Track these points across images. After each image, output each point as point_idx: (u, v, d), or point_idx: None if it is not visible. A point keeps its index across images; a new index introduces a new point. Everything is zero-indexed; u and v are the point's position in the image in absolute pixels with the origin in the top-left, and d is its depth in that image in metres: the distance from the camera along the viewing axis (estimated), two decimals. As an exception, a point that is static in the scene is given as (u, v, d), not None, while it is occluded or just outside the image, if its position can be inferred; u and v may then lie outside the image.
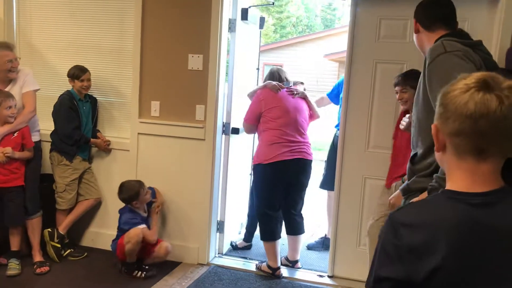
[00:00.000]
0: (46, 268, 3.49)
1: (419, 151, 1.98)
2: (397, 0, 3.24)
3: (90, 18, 3.90)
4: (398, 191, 2.24)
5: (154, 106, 3.76)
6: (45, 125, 3.78)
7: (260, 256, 3.95)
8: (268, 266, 3.63)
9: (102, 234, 3.96)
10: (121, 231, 3.51)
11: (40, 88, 3.59)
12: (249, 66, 4.21)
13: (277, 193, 3.61)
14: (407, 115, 2.74)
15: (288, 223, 3.74)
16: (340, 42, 14.75)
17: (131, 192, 3.51)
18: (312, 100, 3.90)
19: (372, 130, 3.43)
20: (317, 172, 4.41)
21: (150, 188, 3.66)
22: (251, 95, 3.74)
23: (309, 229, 4.40)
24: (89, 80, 3.72)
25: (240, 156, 4.19)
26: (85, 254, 3.82)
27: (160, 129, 3.76)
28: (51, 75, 4.03)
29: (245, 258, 3.98)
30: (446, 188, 1.07)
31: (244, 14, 3.83)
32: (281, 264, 3.72)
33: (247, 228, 4.24)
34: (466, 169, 1.04)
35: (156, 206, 3.68)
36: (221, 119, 3.76)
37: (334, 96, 4.17)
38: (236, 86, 3.88)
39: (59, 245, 3.68)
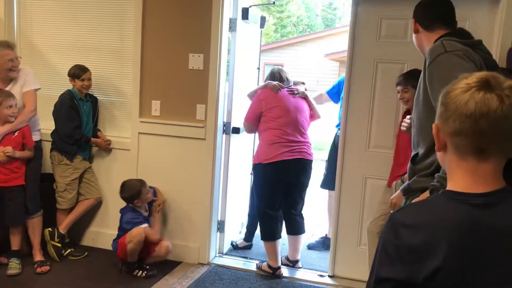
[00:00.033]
0: (47, 268, 3.49)
1: (420, 151, 1.98)
2: (398, -1, 3.24)
3: (91, 17, 3.90)
4: (399, 191, 2.24)
5: (154, 105, 3.76)
6: (46, 125, 3.78)
7: (261, 255, 3.95)
8: (269, 266, 3.63)
9: (102, 233, 3.96)
10: (123, 230, 3.51)
11: (40, 87, 3.59)
12: (249, 65, 4.21)
13: (278, 193, 3.61)
14: (408, 117, 2.74)
15: (289, 223, 3.73)
16: (340, 42, 14.77)
17: (132, 191, 3.52)
18: (312, 96, 3.90)
19: (373, 130, 3.42)
20: (317, 172, 4.41)
21: (151, 187, 3.66)
22: (251, 95, 3.74)
23: (309, 229, 4.40)
24: (89, 79, 3.72)
25: (241, 156, 4.19)
26: (86, 253, 3.82)
27: (160, 129, 3.76)
28: (52, 74, 4.03)
29: (246, 257, 3.98)
30: (447, 188, 1.07)
31: (245, 13, 3.83)
32: (282, 264, 3.72)
33: (247, 227, 4.24)
34: (467, 169, 1.03)
35: (157, 205, 3.68)
36: (221, 118, 3.76)
37: (333, 94, 4.17)
38: (237, 85, 3.88)
39: (59, 245, 3.68)
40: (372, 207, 3.33)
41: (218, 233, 3.96)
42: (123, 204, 3.61)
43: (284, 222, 3.74)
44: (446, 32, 2.00)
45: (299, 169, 3.60)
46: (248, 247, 4.19)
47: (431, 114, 1.83)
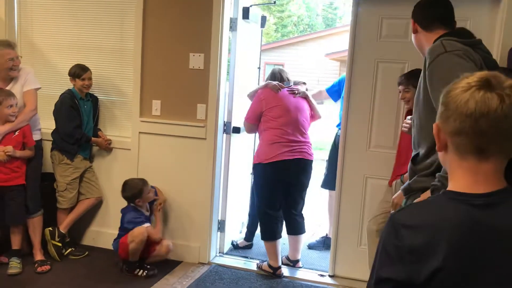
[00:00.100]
0: (47, 267, 3.49)
1: (421, 151, 1.97)
2: (398, -1, 3.24)
3: (91, 17, 3.90)
4: (400, 190, 2.24)
5: (155, 105, 3.76)
6: (46, 124, 3.78)
7: (261, 255, 3.95)
8: (269, 266, 3.63)
9: (103, 233, 3.96)
10: (124, 230, 3.50)
11: (41, 86, 3.59)
12: (250, 65, 4.20)
13: (278, 192, 3.61)
14: (409, 117, 2.74)
15: (289, 223, 3.73)
16: (341, 41, 14.77)
17: (134, 190, 3.52)
18: (311, 93, 3.90)
19: (374, 129, 3.42)
20: (318, 171, 4.41)
21: (152, 187, 3.65)
22: (251, 96, 3.74)
23: (310, 229, 4.40)
24: (90, 79, 3.71)
25: (241, 155, 4.19)
26: (86, 253, 3.82)
27: (161, 128, 3.76)
28: (52, 74, 4.03)
29: (246, 257, 3.98)
30: (448, 188, 1.06)
31: (246, 13, 3.83)
32: (282, 264, 3.72)
33: (248, 227, 4.24)
34: (468, 169, 1.03)
35: (158, 204, 3.68)
36: (222, 118, 3.76)
37: (333, 92, 4.16)
38: (237, 85, 3.88)
39: (60, 244, 3.68)
40: (373, 207, 3.32)
41: (219, 232, 3.96)
42: (123, 203, 3.61)
43: (284, 222, 3.73)
44: (446, 32, 2.00)
45: (299, 169, 3.59)
46: (249, 246, 4.19)
47: (431, 114, 1.83)
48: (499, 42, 3.01)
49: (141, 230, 3.43)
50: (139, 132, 3.82)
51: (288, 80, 3.77)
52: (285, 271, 3.67)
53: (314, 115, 3.80)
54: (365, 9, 3.35)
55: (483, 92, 0.98)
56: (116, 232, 3.61)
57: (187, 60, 3.65)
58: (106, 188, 3.95)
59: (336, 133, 4.03)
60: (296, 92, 3.68)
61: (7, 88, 3.41)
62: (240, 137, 4.02)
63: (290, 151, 3.52)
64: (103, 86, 3.93)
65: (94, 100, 3.86)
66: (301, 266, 3.81)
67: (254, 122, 3.63)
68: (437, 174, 1.79)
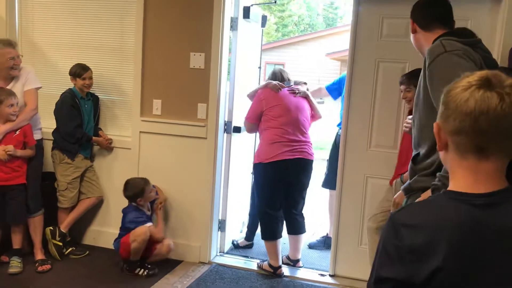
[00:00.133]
0: (48, 266, 3.50)
1: (421, 151, 1.97)
2: (399, -2, 3.23)
3: (92, 16, 3.91)
4: (400, 190, 2.24)
5: (155, 104, 3.76)
6: (47, 123, 3.79)
7: (262, 255, 3.95)
8: (270, 265, 3.63)
9: (103, 232, 3.96)
10: (126, 229, 3.50)
11: (42, 86, 3.59)
12: (251, 64, 4.20)
13: (278, 192, 3.60)
14: (409, 117, 2.75)
15: (289, 222, 3.73)
16: (342, 41, 14.77)
17: (136, 189, 3.52)
18: (311, 90, 3.90)
19: (374, 129, 3.42)
20: (319, 171, 4.41)
21: (152, 186, 3.66)
22: (251, 96, 3.74)
23: (310, 228, 4.40)
24: (90, 78, 3.71)
25: (242, 155, 4.19)
26: (87, 252, 3.82)
27: (161, 128, 3.76)
28: (53, 73, 4.03)
29: (247, 256, 3.98)
30: (448, 188, 1.06)
31: (246, 12, 3.83)
32: (283, 263, 3.72)
33: (248, 227, 4.24)
34: (468, 168, 1.03)
35: (158, 203, 3.68)
36: (222, 117, 3.76)
37: (333, 90, 4.16)
38: (238, 84, 3.88)
39: (60, 243, 3.68)
40: (373, 206, 3.32)
41: (219, 232, 3.96)
42: (124, 203, 3.61)
43: (284, 222, 3.73)
44: (445, 32, 2.00)
45: (299, 168, 3.59)
46: (249, 246, 4.19)
47: (432, 114, 1.83)
48: (500, 42, 3.01)
49: (144, 230, 3.43)
50: (140, 132, 3.82)
51: (289, 80, 3.77)
52: (285, 270, 3.67)
53: (314, 115, 3.79)
54: (366, 9, 3.35)
55: (483, 91, 0.98)
56: (117, 231, 3.61)
57: (187, 59, 3.65)
58: (106, 188, 3.95)
59: (337, 133, 4.02)
60: (297, 91, 3.68)
61: (8, 87, 3.41)
62: (240, 137, 4.02)
63: (290, 150, 3.52)
64: (103, 85, 3.93)
65: (95, 99, 3.86)
66: (302, 265, 3.81)
67: (255, 121, 3.63)
68: (437, 174, 1.79)
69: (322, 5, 27.45)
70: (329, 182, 4.04)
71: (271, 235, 3.63)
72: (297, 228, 3.74)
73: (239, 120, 3.87)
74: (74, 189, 3.73)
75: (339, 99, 4.28)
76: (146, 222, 3.51)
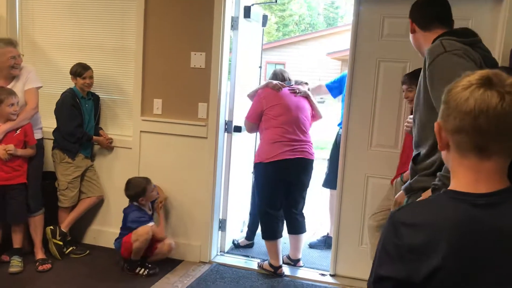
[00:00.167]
0: (48, 266, 3.50)
1: (422, 150, 1.97)
2: (400, -2, 3.23)
3: (93, 16, 3.90)
4: (401, 190, 2.24)
5: (156, 104, 3.76)
6: (48, 123, 3.79)
7: (262, 254, 3.95)
8: (270, 265, 3.63)
9: (104, 232, 3.96)
10: (128, 229, 3.50)
11: (42, 85, 3.59)
12: (251, 64, 4.20)
13: (278, 192, 3.60)
14: (410, 116, 2.74)
15: (290, 222, 3.73)
16: (342, 41, 14.76)
17: (137, 189, 3.52)
18: (311, 86, 3.90)
19: (375, 128, 3.42)
20: (319, 170, 4.41)
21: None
22: (251, 96, 3.74)
23: (311, 228, 4.40)
24: (91, 77, 3.71)
25: (242, 154, 4.19)
26: (87, 251, 3.82)
27: (162, 127, 3.75)
28: (54, 72, 4.03)
29: (247, 256, 3.98)
30: (450, 187, 1.06)
31: (247, 12, 3.82)
32: (283, 263, 3.72)
33: (249, 226, 4.24)
34: (469, 167, 1.03)
35: (159, 202, 3.68)
36: (223, 117, 3.75)
37: (333, 88, 4.15)
38: (239, 84, 3.88)
39: (61, 243, 3.68)
40: (374, 206, 3.32)
41: (220, 231, 3.96)
42: (125, 202, 3.61)
43: (285, 222, 3.73)
44: (444, 31, 1.99)
45: (300, 168, 3.59)
46: (250, 245, 4.19)
47: (432, 114, 1.83)
48: (501, 41, 3.00)
49: (146, 229, 3.43)
50: (140, 131, 3.82)
51: (289, 79, 3.77)
52: (286, 270, 3.67)
53: (315, 115, 3.79)
54: (367, 8, 3.35)
55: (483, 89, 0.98)
56: (117, 231, 3.60)
57: (188, 59, 3.64)
58: (107, 187, 3.95)
59: (337, 132, 4.02)
60: (297, 91, 3.67)
61: (9, 86, 3.41)
62: (241, 136, 4.02)
63: (291, 150, 3.51)
64: (104, 85, 3.93)
65: (96, 99, 3.86)
66: (302, 265, 3.81)
67: (255, 121, 3.63)
68: (438, 174, 1.79)
69: (323, 5, 27.45)
70: (330, 181, 4.03)
71: (271, 235, 3.63)
72: (297, 227, 3.74)
73: (239, 119, 3.86)
74: (74, 189, 3.73)
75: (339, 98, 4.28)
76: (149, 222, 3.51)
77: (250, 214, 4.23)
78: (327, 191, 4.26)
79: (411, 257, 0.99)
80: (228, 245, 4.09)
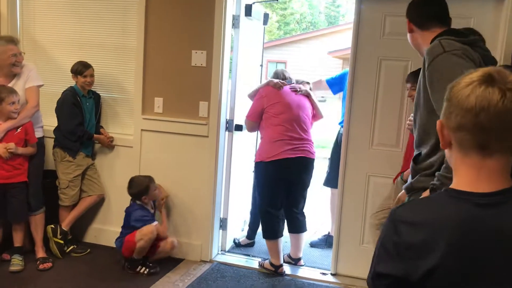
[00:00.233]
0: (49, 264, 3.50)
1: (423, 150, 1.97)
2: (402, -4, 3.22)
3: (94, 14, 3.90)
4: (402, 189, 2.24)
5: (157, 102, 3.75)
6: (48, 121, 3.78)
7: (263, 253, 3.95)
8: (271, 264, 3.62)
9: (105, 230, 3.96)
10: (131, 228, 3.49)
11: (43, 84, 3.58)
12: (252, 62, 4.19)
13: (279, 191, 3.59)
14: (411, 115, 2.74)
15: (290, 221, 3.73)
16: (344, 39, 14.74)
17: (140, 187, 3.52)
18: (312, 81, 3.89)
19: (376, 127, 3.41)
20: (320, 169, 4.40)
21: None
22: (251, 96, 3.73)
23: (312, 227, 4.39)
24: (92, 76, 3.71)
25: (243, 153, 4.18)
26: (88, 250, 3.82)
27: (163, 126, 3.75)
28: (55, 71, 4.02)
29: (248, 255, 3.97)
30: (451, 185, 1.05)
31: (248, 10, 3.81)
32: (284, 262, 3.71)
33: (250, 225, 4.23)
34: (471, 165, 1.02)
35: (160, 199, 3.68)
36: (224, 116, 3.75)
37: (334, 84, 4.14)
38: (240, 82, 3.87)
39: (62, 241, 3.68)
40: (375, 205, 3.32)
41: (221, 230, 3.96)
42: (126, 201, 3.61)
43: (286, 221, 3.73)
44: (443, 31, 1.98)
45: (301, 167, 3.58)
46: (251, 244, 4.18)
47: (432, 114, 1.82)
48: (503, 40, 2.99)
49: (151, 229, 3.43)
50: (141, 130, 3.81)
51: (290, 78, 3.76)
52: (287, 269, 3.66)
53: (316, 115, 3.78)
54: (368, 7, 3.34)
55: (484, 86, 0.97)
56: (118, 230, 3.60)
57: (189, 57, 3.64)
58: (108, 186, 3.95)
59: (338, 131, 4.01)
60: (298, 89, 3.66)
61: (10, 84, 3.41)
62: (242, 135, 4.02)
63: (292, 149, 3.50)
64: (105, 83, 3.93)
65: (96, 97, 3.86)
66: (303, 264, 3.80)
67: (255, 120, 3.62)
68: (436, 173, 1.79)
69: (324, 3, 27.44)
70: (331, 180, 4.03)
71: (272, 234, 3.62)
72: (298, 227, 3.73)
73: (240, 118, 3.86)
74: (75, 187, 3.73)
75: (339, 96, 4.27)
76: (152, 221, 3.51)
77: (251, 213, 4.23)
78: (328, 190, 4.26)
79: (409, 255, 0.98)
80: (229, 244, 4.09)
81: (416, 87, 2.88)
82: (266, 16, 4.30)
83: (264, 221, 3.68)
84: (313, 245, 4.24)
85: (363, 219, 3.49)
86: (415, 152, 2.03)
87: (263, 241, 3.78)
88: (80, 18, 3.93)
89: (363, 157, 3.46)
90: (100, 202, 3.96)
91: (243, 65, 3.90)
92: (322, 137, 8.39)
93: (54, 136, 3.74)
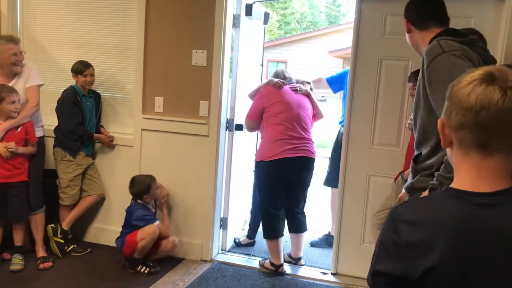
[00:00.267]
0: (49, 264, 3.50)
1: (424, 150, 1.96)
2: (402, -4, 3.21)
3: (94, 14, 3.90)
4: (403, 189, 2.24)
5: (157, 102, 3.75)
6: (49, 121, 3.78)
7: (263, 253, 3.94)
8: (271, 263, 3.62)
9: (105, 230, 3.96)
10: (132, 227, 3.49)
11: (44, 83, 3.58)
12: (253, 62, 4.19)
13: (280, 191, 3.59)
14: (412, 115, 2.74)
15: (291, 221, 3.72)
16: (344, 39, 14.71)
17: (142, 187, 3.52)
18: (312, 79, 3.89)
19: (377, 127, 3.41)
20: (321, 169, 4.40)
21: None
22: (251, 95, 3.73)
23: (312, 227, 4.39)
24: (92, 75, 3.71)
25: (244, 153, 4.18)
26: (88, 250, 3.82)
27: (163, 125, 3.75)
28: (55, 70, 4.02)
29: (248, 254, 3.97)
30: (452, 184, 1.05)
31: (249, 9, 3.81)
32: (284, 261, 3.71)
33: (250, 224, 4.23)
34: (472, 164, 1.01)
35: (161, 197, 3.68)
36: (224, 115, 3.75)
37: (334, 83, 4.13)
38: (240, 82, 3.87)
39: (62, 241, 3.68)
40: (376, 205, 3.32)
41: (221, 230, 3.96)
42: (126, 200, 3.61)
43: (286, 220, 3.73)
44: (442, 30, 1.98)
45: (302, 167, 3.58)
46: (251, 244, 4.18)
47: (432, 114, 1.82)
48: (504, 40, 2.99)
49: (153, 229, 3.43)
50: (142, 129, 3.81)
51: (291, 79, 3.76)
52: (287, 268, 3.66)
53: (316, 115, 3.77)
54: (369, 6, 3.34)
55: (485, 85, 0.96)
56: (119, 229, 3.60)
57: (189, 57, 3.63)
58: (108, 185, 3.95)
59: (339, 131, 4.01)
60: (298, 89, 3.66)
61: (10, 84, 3.40)
62: (242, 135, 4.01)
63: (292, 148, 3.50)
64: (105, 83, 3.92)
65: (97, 96, 3.86)
66: (304, 263, 3.80)
67: (256, 119, 3.62)
68: (435, 173, 1.78)
69: (324, 3, 27.42)
70: (331, 180, 4.03)
71: (272, 234, 3.62)
72: (298, 226, 3.73)
73: (241, 117, 3.85)
74: (75, 187, 3.73)
75: (340, 95, 4.27)
76: (154, 220, 3.51)
77: (251, 212, 4.22)
78: (328, 189, 4.26)
79: (408, 254, 0.98)
80: (229, 243, 4.09)
81: (415, 86, 2.90)
82: (266, 16, 4.30)
83: (265, 221, 3.68)
84: (313, 244, 4.24)
85: (363, 218, 3.49)
86: (416, 152, 2.03)
87: (264, 240, 3.78)
88: (80, 18, 3.93)
89: (363, 157, 3.46)
90: (100, 201, 3.96)
91: (244, 64, 3.90)
92: (322, 137, 8.39)
93: (54, 136, 3.74)
